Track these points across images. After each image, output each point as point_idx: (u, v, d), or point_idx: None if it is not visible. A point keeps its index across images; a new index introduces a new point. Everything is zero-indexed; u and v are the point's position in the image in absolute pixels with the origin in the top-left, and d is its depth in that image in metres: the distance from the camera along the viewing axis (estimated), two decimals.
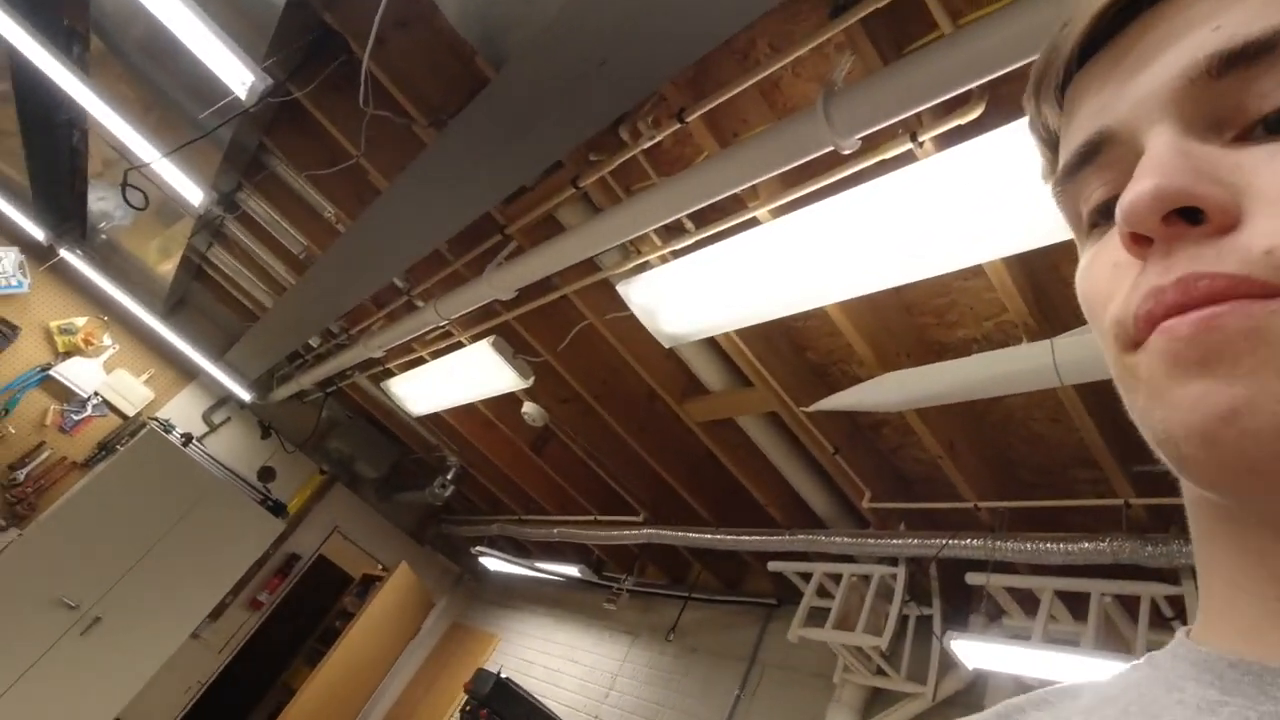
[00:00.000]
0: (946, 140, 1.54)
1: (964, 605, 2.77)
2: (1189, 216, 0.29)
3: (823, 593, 2.99)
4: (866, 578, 2.87)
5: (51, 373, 4.88)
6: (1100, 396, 1.97)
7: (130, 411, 5.12)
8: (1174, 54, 0.31)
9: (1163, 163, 0.29)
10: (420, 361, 3.79)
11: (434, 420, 4.39)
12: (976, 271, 1.87)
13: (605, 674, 4.38)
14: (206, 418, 5.43)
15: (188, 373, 5.41)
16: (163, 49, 2.16)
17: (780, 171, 1.60)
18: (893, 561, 2.79)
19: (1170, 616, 2.13)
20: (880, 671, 2.90)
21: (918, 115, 1.42)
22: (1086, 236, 0.36)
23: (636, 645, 4.37)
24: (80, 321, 5.00)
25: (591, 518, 4.16)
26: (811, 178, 1.77)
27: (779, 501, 3.20)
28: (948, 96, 1.30)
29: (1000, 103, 1.46)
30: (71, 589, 4.24)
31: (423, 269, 3.04)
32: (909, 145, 1.56)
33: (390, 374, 4.13)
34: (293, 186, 3.18)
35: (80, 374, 4.96)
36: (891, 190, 1.64)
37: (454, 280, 2.92)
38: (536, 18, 1.75)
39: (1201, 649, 0.33)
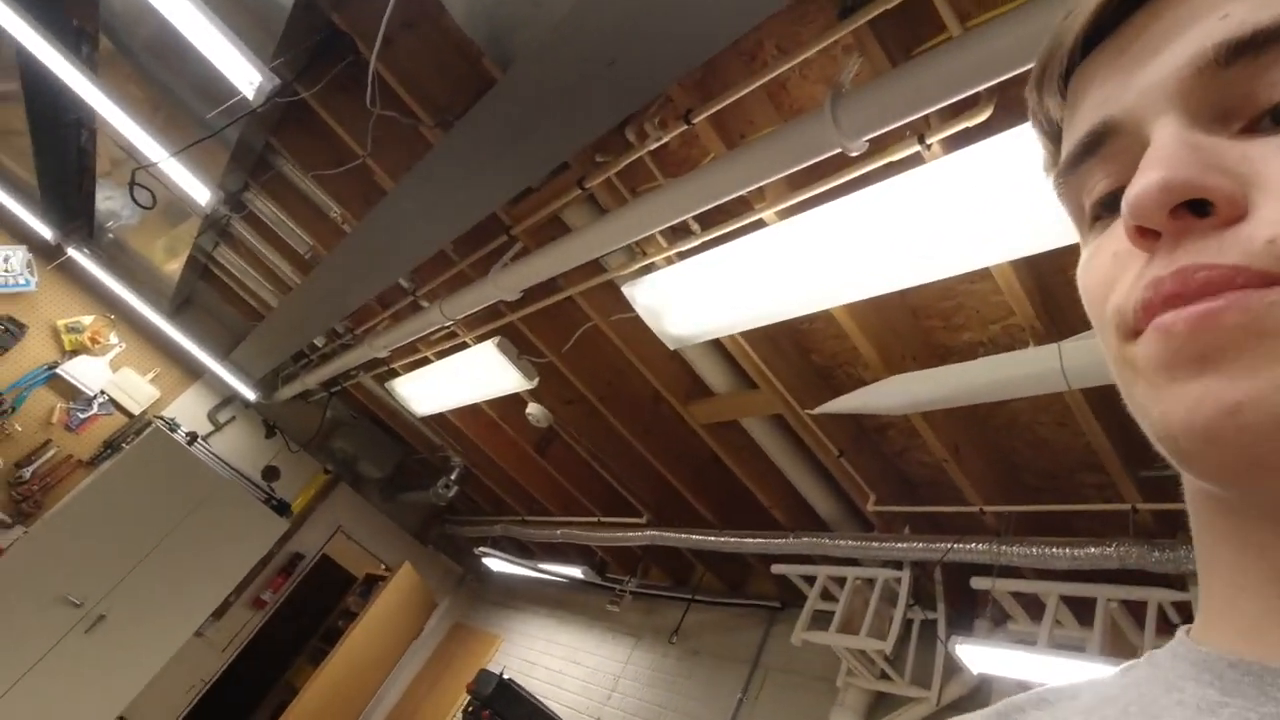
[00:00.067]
0: (954, 143, 1.54)
1: (969, 609, 2.77)
2: (1196, 209, 0.28)
3: (827, 596, 2.98)
4: (871, 581, 2.86)
5: (58, 371, 4.90)
6: (1107, 400, 1.96)
7: (136, 410, 5.14)
8: (1181, 43, 0.30)
9: (1169, 154, 0.29)
10: (425, 362, 3.79)
11: (438, 420, 4.39)
12: (983, 274, 1.86)
13: (608, 676, 4.38)
14: (211, 417, 5.45)
15: (193, 372, 5.43)
16: (171, 49, 2.17)
17: (787, 173, 1.60)
18: (897, 565, 2.78)
19: (1177, 623, 2.11)
20: (884, 676, 2.89)
21: (926, 117, 1.41)
22: (1089, 230, 0.36)
23: (639, 647, 4.37)
24: (87, 320, 5.02)
25: (595, 519, 4.16)
26: (818, 180, 1.77)
27: (783, 504, 3.19)
28: (956, 99, 1.29)
29: (1009, 105, 1.45)
30: (76, 587, 4.26)
31: (428, 269, 3.05)
32: (917, 147, 1.56)
33: (395, 374, 4.13)
34: (299, 186, 3.19)
35: (86, 372, 4.99)
36: (899, 193, 1.63)
37: (459, 281, 2.92)
38: (543, 18, 1.75)
39: (1201, 648, 0.33)
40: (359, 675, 5.38)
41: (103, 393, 5.03)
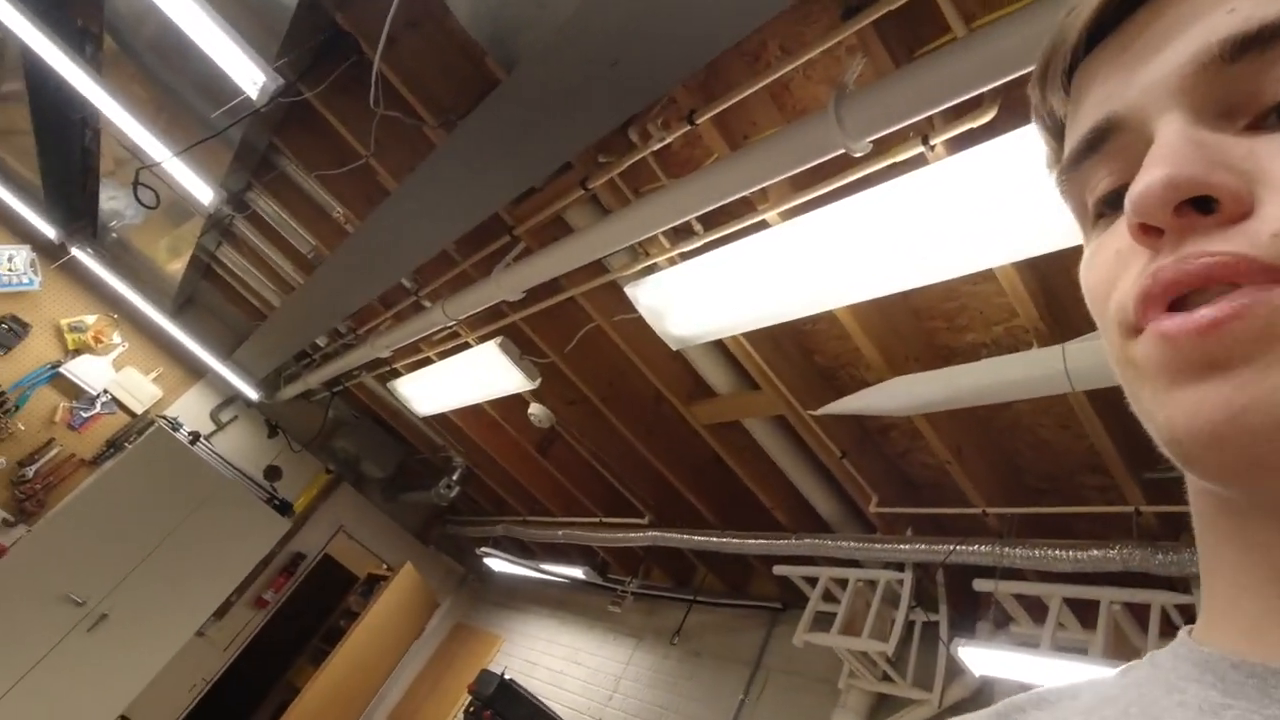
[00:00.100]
0: (958, 144, 1.53)
1: (971, 611, 2.76)
2: (1201, 206, 0.28)
3: (828, 597, 2.97)
4: (873, 583, 2.86)
5: (61, 370, 4.91)
6: (1110, 402, 1.96)
7: (138, 409, 5.15)
8: (1186, 38, 0.30)
9: (1174, 151, 0.28)
10: (427, 362, 3.80)
11: (440, 421, 4.39)
12: (987, 276, 1.86)
13: (609, 676, 4.37)
14: (214, 416, 5.45)
15: (196, 371, 5.44)
16: (175, 49, 2.17)
17: (790, 174, 1.60)
18: (899, 567, 2.77)
19: (1180, 626, 2.11)
20: (886, 677, 2.88)
21: (929, 118, 1.41)
22: (1092, 227, 0.36)
23: (641, 648, 4.36)
24: (90, 319, 5.03)
25: (597, 519, 4.16)
26: (822, 180, 1.77)
27: (785, 505, 3.19)
28: (960, 100, 1.29)
29: (1013, 106, 1.45)
30: (78, 586, 4.26)
31: (430, 269, 3.05)
32: (920, 148, 1.55)
33: (397, 374, 4.13)
34: (302, 186, 3.19)
35: (89, 372, 5.00)
36: (902, 194, 1.63)
37: (462, 281, 2.92)
38: (548, 19, 1.75)
39: (1203, 649, 0.32)
40: (360, 675, 5.38)
41: (105, 392, 5.04)
